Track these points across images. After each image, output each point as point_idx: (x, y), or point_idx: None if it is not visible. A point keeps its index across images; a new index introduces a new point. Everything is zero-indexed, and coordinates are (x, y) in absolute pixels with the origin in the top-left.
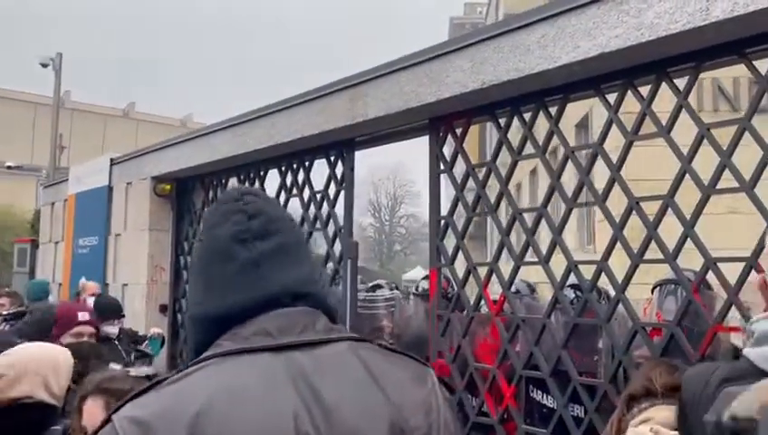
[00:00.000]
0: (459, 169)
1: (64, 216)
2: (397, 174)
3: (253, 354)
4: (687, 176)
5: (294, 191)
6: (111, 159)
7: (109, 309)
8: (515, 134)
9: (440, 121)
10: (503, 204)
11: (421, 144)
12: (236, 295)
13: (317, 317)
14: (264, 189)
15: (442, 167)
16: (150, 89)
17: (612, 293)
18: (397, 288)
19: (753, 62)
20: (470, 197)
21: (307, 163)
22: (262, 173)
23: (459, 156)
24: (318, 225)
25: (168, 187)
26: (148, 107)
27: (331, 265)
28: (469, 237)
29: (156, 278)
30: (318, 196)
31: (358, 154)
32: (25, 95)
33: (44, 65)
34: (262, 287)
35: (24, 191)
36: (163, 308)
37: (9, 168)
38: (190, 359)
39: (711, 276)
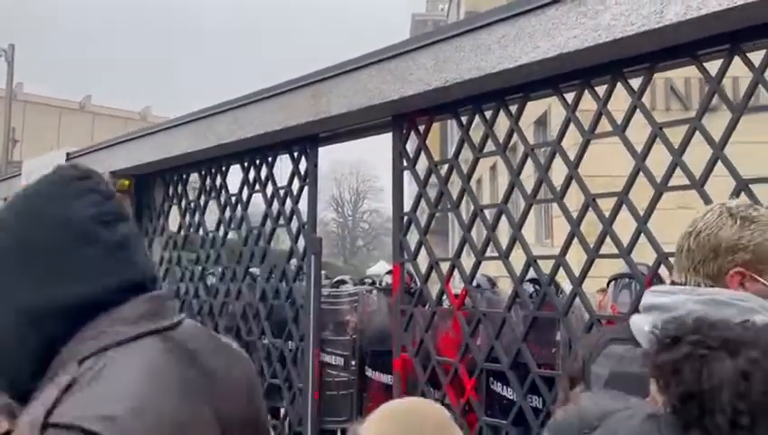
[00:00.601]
0: (422, 165)
1: None
2: (359, 169)
3: (147, 338)
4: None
5: (257, 187)
6: (68, 154)
7: None
8: (478, 131)
9: (403, 119)
10: (465, 200)
11: (384, 139)
12: (108, 279)
13: (171, 299)
14: (226, 185)
15: (405, 163)
16: (108, 84)
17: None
18: (363, 283)
19: (704, 64)
20: (433, 193)
21: (270, 159)
22: (224, 168)
23: (422, 153)
24: (281, 221)
25: (127, 182)
26: (105, 100)
27: (294, 260)
28: (431, 233)
29: None
30: (281, 192)
31: (321, 150)
32: None
33: None
34: (132, 270)
35: None
36: None
37: None
38: (31, 362)
39: (664, 271)
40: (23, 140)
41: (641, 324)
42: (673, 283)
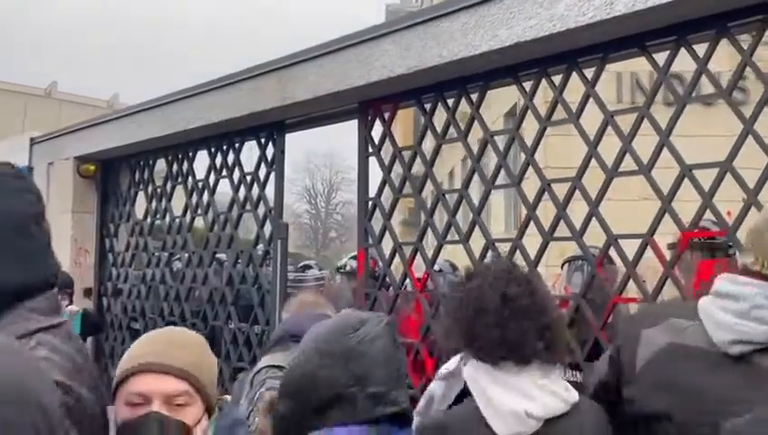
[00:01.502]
0: (389, 151)
1: None
2: (333, 160)
3: (54, 329)
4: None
5: (224, 172)
6: (32, 139)
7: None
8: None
9: (369, 105)
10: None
11: (356, 130)
12: (38, 272)
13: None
14: (193, 171)
15: (370, 150)
16: (74, 71)
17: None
18: (339, 271)
19: (654, 55)
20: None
21: (237, 144)
22: (191, 154)
23: (387, 139)
24: (248, 206)
25: (93, 167)
26: (72, 87)
27: (261, 246)
28: (407, 223)
29: (80, 261)
30: (248, 177)
31: (293, 139)
32: None
33: None
34: (53, 267)
35: None
36: (87, 291)
37: None
38: None
39: (613, 253)
40: None
41: (710, 308)
42: (745, 267)
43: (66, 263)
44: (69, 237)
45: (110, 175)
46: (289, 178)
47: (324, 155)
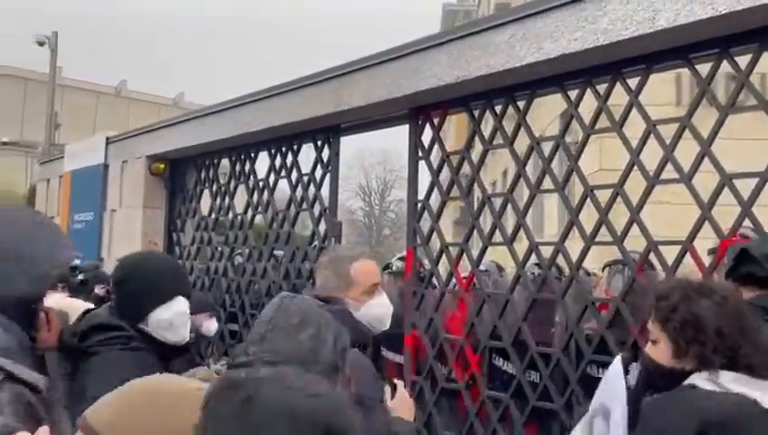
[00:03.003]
0: (440, 154)
1: (60, 192)
2: (387, 159)
3: None
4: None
5: (283, 173)
6: (107, 138)
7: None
8: (510, 121)
9: (419, 111)
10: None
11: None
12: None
13: None
14: (254, 170)
15: (420, 154)
16: (143, 68)
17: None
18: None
19: (696, 66)
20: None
21: (295, 147)
22: (252, 155)
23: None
24: (305, 205)
25: (162, 166)
26: (140, 85)
27: (316, 243)
28: (457, 223)
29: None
30: (305, 178)
31: (347, 139)
32: (13, 69)
33: (41, 44)
34: None
35: (13, 166)
36: None
37: (5, 144)
38: None
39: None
40: (61, 122)
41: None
42: None
43: None
44: (140, 231)
45: (178, 173)
46: (343, 175)
47: (379, 153)
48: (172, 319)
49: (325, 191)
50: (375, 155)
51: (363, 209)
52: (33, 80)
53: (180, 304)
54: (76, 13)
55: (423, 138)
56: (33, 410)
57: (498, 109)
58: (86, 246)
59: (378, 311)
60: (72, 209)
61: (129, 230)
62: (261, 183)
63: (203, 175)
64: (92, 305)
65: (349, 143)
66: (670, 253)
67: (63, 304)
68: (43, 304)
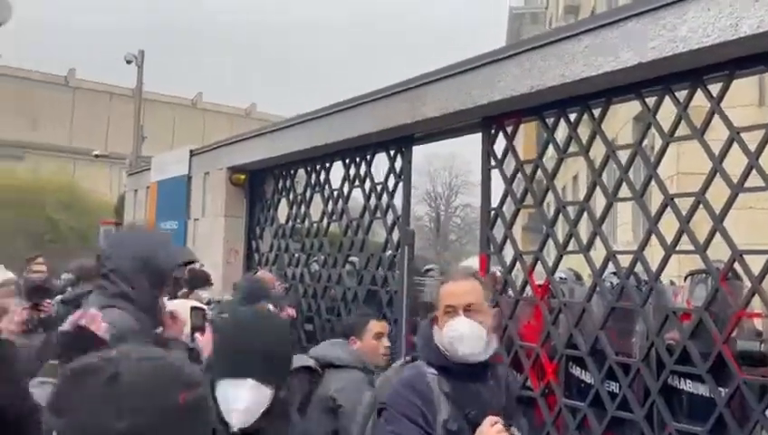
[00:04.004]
0: (513, 163)
1: (147, 201)
2: (453, 164)
3: None
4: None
5: (357, 183)
6: (191, 151)
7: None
8: (585, 129)
9: (492, 121)
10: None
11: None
12: None
13: None
14: (329, 180)
15: (493, 163)
16: (218, 81)
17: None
18: None
19: None
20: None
21: (368, 157)
22: (327, 165)
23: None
24: (378, 214)
25: (243, 177)
26: (214, 97)
27: (389, 251)
28: (527, 230)
29: (230, 260)
30: (378, 187)
31: (415, 148)
32: (101, 85)
33: (129, 61)
34: None
35: (101, 177)
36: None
37: (96, 156)
38: None
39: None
40: (144, 133)
41: None
42: None
43: (219, 262)
44: (222, 239)
45: (257, 183)
46: (412, 182)
47: (445, 158)
48: None
49: (398, 200)
50: (441, 160)
51: (429, 215)
52: (118, 94)
53: None
54: (158, 28)
55: (495, 146)
56: None
57: (572, 117)
58: None
59: (447, 335)
60: (159, 218)
61: (211, 238)
62: (335, 192)
63: (280, 185)
64: (198, 304)
65: (416, 149)
66: (756, 262)
67: (178, 303)
68: (164, 298)
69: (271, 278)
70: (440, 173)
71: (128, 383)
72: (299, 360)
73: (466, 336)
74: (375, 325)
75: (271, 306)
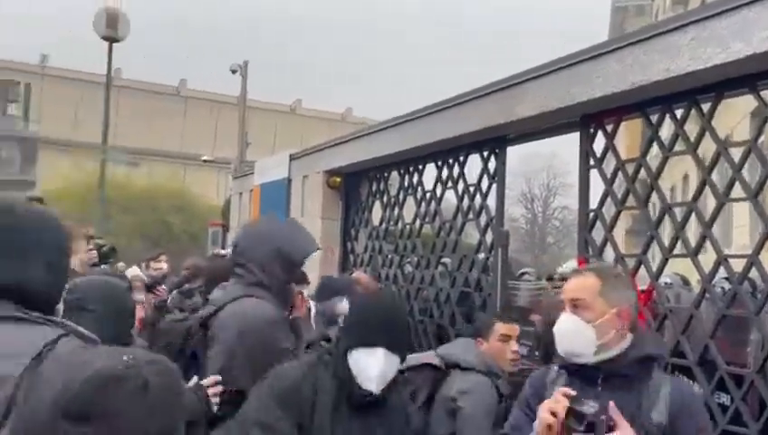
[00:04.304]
0: (613, 163)
1: (250, 203)
2: (551, 164)
3: None
4: None
5: (449, 184)
6: (290, 155)
7: None
8: (694, 125)
9: (591, 119)
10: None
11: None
12: None
13: None
14: (422, 182)
15: (592, 162)
16: (314, 86)
17: None
18: (551, 279)
19: None
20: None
21: (461, 158)
22: (420, 167)
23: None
24: (471, 215)
25: (338, 179)
26: (311, 103)
27: (482, 254)
28: (631, 232)
29: (328, 254)
30: (471, 188)
31: (509, 148)
32: (209, 94)
33: (234, 71)
34: None
35: (209, 181)
36: None
37: (205, 161)
38: None
39: None
40: (248, 138)
41: None
42: None
43: (316, 262)
44: (319, 240)
45: (352, 186)
46: (506, 182)
47: (543, 158)
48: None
49: (491, 201)
50: (538, 161)
51: (525, 217)
52: (221, 102)
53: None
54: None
55: (594, 146)
56: None
57: (679, 113)
58: None
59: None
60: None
61: None
62: (428, 194)
63: (374, 187)
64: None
65: (511, 149)
66: None
67: None
68: (295, 285)
69: (365, 279)
70: (537, 174)
71: (155, 387)
72: (425, 356)
73: (562, 333)
74: (501, 327)
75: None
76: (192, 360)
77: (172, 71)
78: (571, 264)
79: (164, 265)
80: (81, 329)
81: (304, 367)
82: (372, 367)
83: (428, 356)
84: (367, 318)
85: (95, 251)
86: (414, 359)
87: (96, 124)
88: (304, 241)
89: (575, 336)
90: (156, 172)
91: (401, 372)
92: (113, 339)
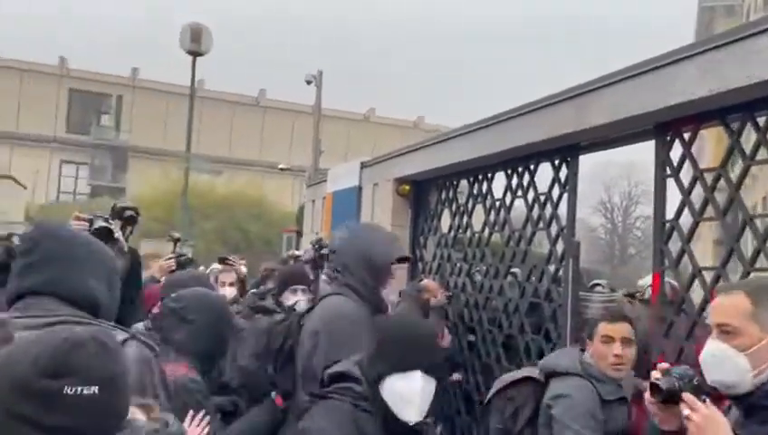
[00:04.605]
0: (691, 172)
1: (323, 211)
2: (631, 172)
3: None
4: None
5: (519, 193)
6: (362, 163)
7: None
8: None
9: (667, 127)
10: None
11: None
12: None
13: None
14: (491, 190)
15: (668, 171)
16: (387, 94)
17: None
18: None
19: None
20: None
21: (532, 166)
22: (490, 175)
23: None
24: (541, 225)
25: (407, 187)
26: (384, 111)
27: (552, 265)
28: (716, 243)
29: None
30: (541, 197)
31: (582, 157)
32: (286, 103)
33: (309, 82)
34: None
35: (284, 188)
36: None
37: (281, 169)
38: None
39: None
40: (322, 147)
41: None
42: None
43: None
44: None
45: (421, 194)
46: (582, 190)
47: (622, 166)
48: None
49: (562, 210)
50: (618, 168)
51: (605, 226)
52: (295, 111)
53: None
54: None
55: (671, 154)
56: None
57: (761, 121)
58: None
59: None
60: (333, 227)
61: None
62: (498, 202)
63: (443, 195)
64: None
65: (589, 155)
66: None
67: None
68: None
69: (434, 286)
70: (617, 182)
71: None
72: (525, 371)
73: (708, 363)
74: (604, 328)
75: None
76: (289, 357)
77: (251, 81)
78: (649, 279)
79: (243, 269)
80: (142, 336)
81: (344, 429)
82: (410, 393)
83: (527, 370)
84: (398, 340)
85: (174, 260)
86: (510, 376)
87: (182, 133)
88: (390, 247)
89: (724, 366)
90: (236, 180)
91: (503, 389)
92: (208, 349)
